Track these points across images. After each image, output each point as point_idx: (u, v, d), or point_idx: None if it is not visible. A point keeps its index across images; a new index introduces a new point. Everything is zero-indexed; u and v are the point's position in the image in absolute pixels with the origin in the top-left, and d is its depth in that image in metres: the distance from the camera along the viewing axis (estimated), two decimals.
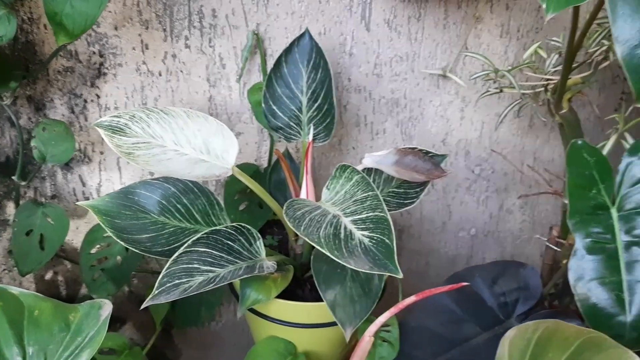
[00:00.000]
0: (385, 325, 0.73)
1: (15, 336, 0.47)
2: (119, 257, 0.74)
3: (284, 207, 0.58)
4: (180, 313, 0.83)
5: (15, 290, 0.50)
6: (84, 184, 0.81)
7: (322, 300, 0.64)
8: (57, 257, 0.78)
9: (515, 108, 0.82)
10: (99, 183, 0.82)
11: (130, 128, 0.61)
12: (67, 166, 0.80)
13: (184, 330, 0.95)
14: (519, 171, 0.95)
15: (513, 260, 0.83)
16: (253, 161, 0.86)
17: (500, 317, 0.76)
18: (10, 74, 0.63)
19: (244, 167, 0.80)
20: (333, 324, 0.70)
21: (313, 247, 0.72)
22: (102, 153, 0.80)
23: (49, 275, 0.87)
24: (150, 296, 0.52)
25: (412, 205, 0.71)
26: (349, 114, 0.86)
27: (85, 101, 0.76)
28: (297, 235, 0.74)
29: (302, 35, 0.74)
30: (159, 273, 0.87)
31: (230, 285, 0.76)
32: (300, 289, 0.73)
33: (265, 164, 0.86)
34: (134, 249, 0.57)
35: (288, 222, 0.55)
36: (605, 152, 0.74)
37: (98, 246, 0.75)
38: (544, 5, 0.51)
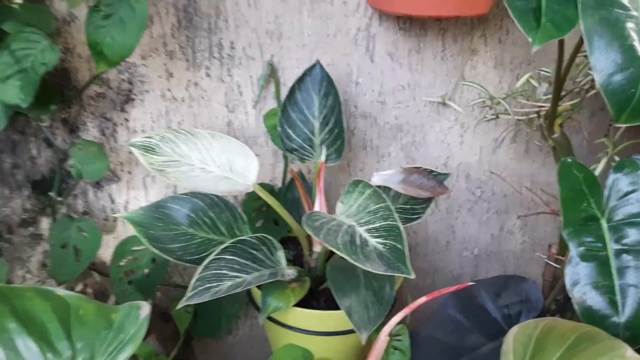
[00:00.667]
0: (396, 335, 0.77)
1: (64, 332, 0.52)
2: (146, 270, 0.79)
3: (303, 218, 0.63)
4: (201, 323, 0.87)
5: (61, 292, 0.55)
6: (112, 202, 0.86)
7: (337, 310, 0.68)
8: (87, 269, 0.82)
9: (510, 134, 0.88)
10: (127, 201, 0.87)
11: (160, 148, 0.67)
12: (97, 185, 0.85)
13: (203, 342, 0.99)
14: (518, 192, 1.00)
15: (515, 275, 0.87)
16: (268, 181, 0.92)
17: (505, 327, 0.80)
18: (50, 98, 0.69)
19: (260, 186, 0.86)
20: (348, 332, 0.74)
21: (327, 260, 0.77)
22: (129, 173, 0.85)
23: (79, 287, 0.91)
24: (185, 297, 0.57)
25: (419, 221, 0.76)
26: (356, 138, 0.92)
27: (115, 124, 0.82)
28: (311, 249, 0.79)
29: (313, 66, 0.80)
30: (181, 286, 0.92)
31: (250, 297, 0.80)
32: (315, 300, 0.77)
33: (279, 184, 0.91)
34: (167, 257, 0.62)
35: (308, 231, 0.60)
36: (597, 173, 0.80)
37: (126, 260, 0.80)
38: (530, 39, 0.58)
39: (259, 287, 0.73)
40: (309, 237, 0.79)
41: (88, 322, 0.53)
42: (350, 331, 0.75)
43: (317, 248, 0.79)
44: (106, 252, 0.88)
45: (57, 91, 0.74)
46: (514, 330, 0.56)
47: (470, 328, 0.80)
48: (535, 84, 0.83)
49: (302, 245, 0.79)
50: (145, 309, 0.56)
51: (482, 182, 0.99)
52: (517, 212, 1.02)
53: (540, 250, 1.05)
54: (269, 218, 0.85)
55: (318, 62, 0.80)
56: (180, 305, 0.57)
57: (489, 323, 0.80)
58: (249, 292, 0.81)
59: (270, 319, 0.75)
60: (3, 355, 0.48)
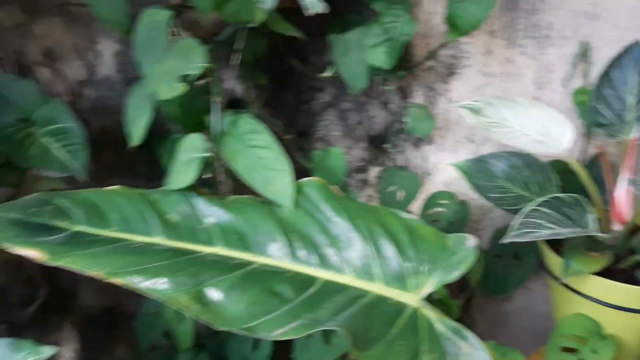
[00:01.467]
0: None
1: (412, 244, 0.65)
2: (447, 222, 0.90)
3: (629, 181, 0.65)
4: (489, 282, 0.95)
5: (406, 215, 0.68)
6: (424, 161, 0.99)
7: None
8: None
9: None
10: (437, 161, 0.99)
11: (485, 111, 0.76)
12: (416, 144, 0.98)
13: (482, 303, 1.06)
14: None
15: None
16: None
17: None
18: (398, 67, 0.84)
19: (559, 161, 0.89)
20: None
21: (630, 239, 0.77)
22: (442, 137, 0.97)
23: None
24: (508, 235, 0.65)
25: None
26: None
27: (438, 94, 0.95)
28: (609, 227, 0.79)
29: (632, 45, 0.80)
30: None
31: (543, 264, 0.84)
32: (611, 277, 0.78)
33: None
34: (488, 201, 0.71)
35: None
36: None
37: (433, 210, 0.92)
38: None
39: (558, 252, 0.77)
40: (607, 214, 0.79)
41: (428, 241, 0.65)
42: None
43: (616, 226, 0.79)
44: (412, 204, 1.00)
45: (404, 61, 0.89)
46: None
47: None
48: None
49: (601, 220, 0.80)
50: (471, 240, 0.65)
51: None
52: None
53: None
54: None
55: (638, 41, 0.80)
56: (505, 241, 0.64)
57: None
58: (541, 260, 0.85)
59: (563, 285, 0.78)
60: (374, 250, 0.63)
